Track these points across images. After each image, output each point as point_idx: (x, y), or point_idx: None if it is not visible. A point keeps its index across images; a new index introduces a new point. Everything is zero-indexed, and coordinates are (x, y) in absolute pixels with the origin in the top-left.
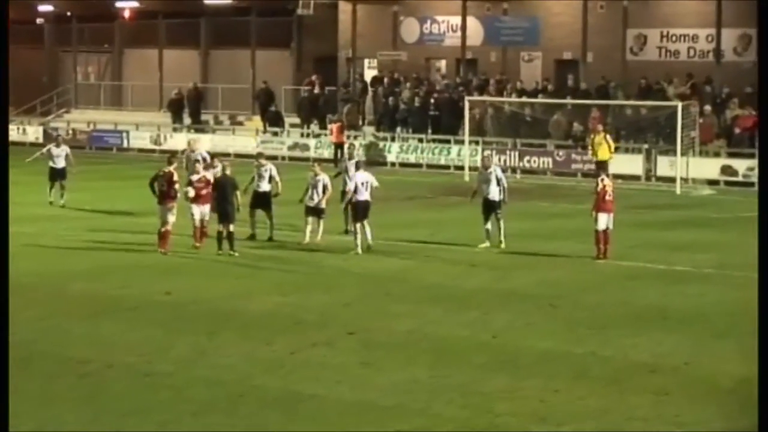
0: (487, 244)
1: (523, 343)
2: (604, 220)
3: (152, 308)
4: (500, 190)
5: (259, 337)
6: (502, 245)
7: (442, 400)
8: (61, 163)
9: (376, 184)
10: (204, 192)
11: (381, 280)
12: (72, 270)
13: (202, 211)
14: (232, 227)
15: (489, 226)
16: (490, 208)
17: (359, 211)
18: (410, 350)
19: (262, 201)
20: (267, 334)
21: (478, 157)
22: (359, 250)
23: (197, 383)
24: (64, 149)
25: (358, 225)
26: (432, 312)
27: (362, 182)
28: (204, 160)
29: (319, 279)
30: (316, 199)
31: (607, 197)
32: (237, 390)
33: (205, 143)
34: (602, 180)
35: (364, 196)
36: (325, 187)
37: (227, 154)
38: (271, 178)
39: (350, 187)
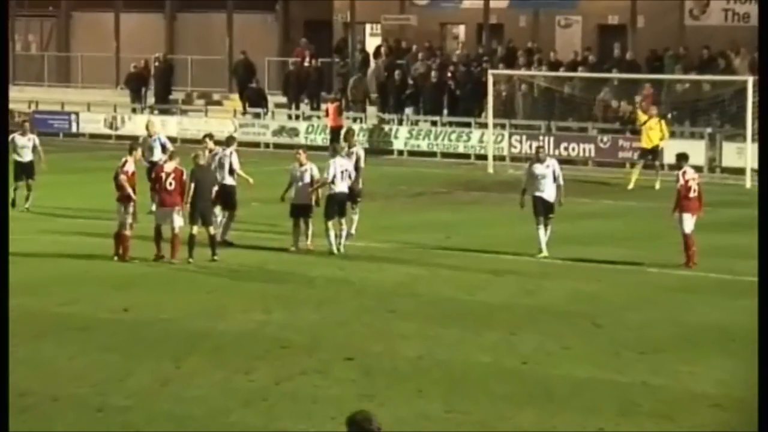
0: (545, 252)
1: (558, 370)
2: (690, 222)
3: (106, 328)
4: (556, 189)
5: (236, 363)
6: (543, 253)
7: None
8: (28, 156)
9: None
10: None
11: (384, 294)
12: (9, 282)
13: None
14: (212, 229)
15: (541, 230)
16: (543, 209)
17: (335, 205)
18: (420, 380)
19: (225, 197)
20: (246, 360)
21: (504, 144)
22: (334, 249)
23: (160, 420)
24: (32, 138)
25: (331, 222)
26: (446, 333)
27: (342, 170)
28: (163, 146)
29: (310, 292)
30: (302, 194)
31: (691, 194)
32: (209, 428)
33: (172, 127)
34: (684, 173)
35: (341, 187)
36: (313, 180)
37: (199, 141)
38: (231, 169)
39: (328, 175)
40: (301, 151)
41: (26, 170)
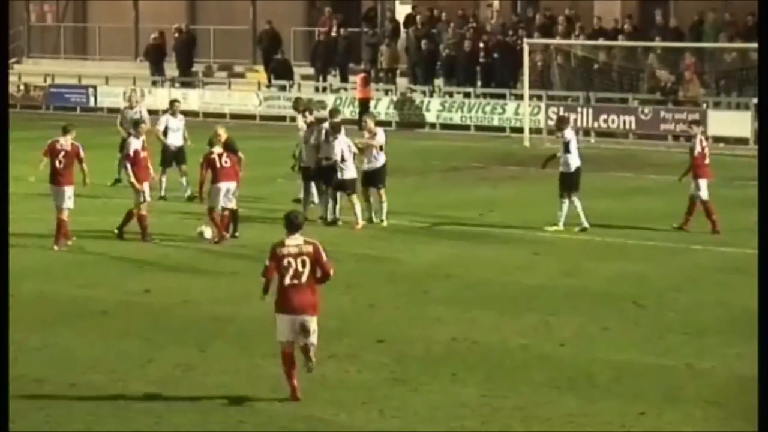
0: (559, 227)
1: (599, 354)
2: (706, 188)
3: (126, 313)
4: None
5: (262, 348)
6: (557, 227)
7: (497, 427)
8: (179, 140)
9: (354, 150)
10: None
11: (417, 275)
12: (22, 265)
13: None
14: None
15: (566, 206)
16: (559, 182)
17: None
18: (455, 364)
19: (332, 175)
20: (272, 345)
21: (541, 116)
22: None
23: (183, 407)
24: (182, 120)
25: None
26: (482, 316)
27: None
28: (142, 120)
29: (339, 273)
30: (375, 162)
31: (706, 160)
32: (235, 416)
33: (194, 101)
34: (701, 140)
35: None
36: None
37: (222, 115)
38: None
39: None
40: (367, 119)
41: (177, 156)
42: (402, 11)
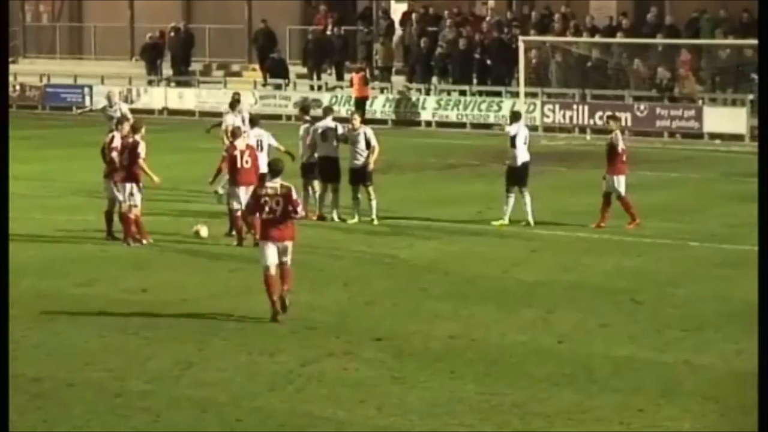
0: (505, 221)
1: (597, 349)
2: (624, 182)
3: (124, 310)
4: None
5: (260, 345)
6: (504, 221)
7: (495, 423)
8: None
9: (275, 143)
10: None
11: (415, 271)
12: (19, 263)
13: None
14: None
15: (512, 200)
16: (513, 177)
17: None
18: (453, 361)
19: (334, 170)
20: (270, 342)
21: (537, 114)
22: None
23: (182, 404)
24: (240, 115)
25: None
26: (480, 312)
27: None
28: (124, 117)
29: (336, 270)
30: (361, 159)
31: (625, 156)
32: (233, 413)
33: (190, 99)
34: (620, 135)
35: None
36: (368, 143)
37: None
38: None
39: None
40: (355, 115)
41: None
42: (397, 9)
